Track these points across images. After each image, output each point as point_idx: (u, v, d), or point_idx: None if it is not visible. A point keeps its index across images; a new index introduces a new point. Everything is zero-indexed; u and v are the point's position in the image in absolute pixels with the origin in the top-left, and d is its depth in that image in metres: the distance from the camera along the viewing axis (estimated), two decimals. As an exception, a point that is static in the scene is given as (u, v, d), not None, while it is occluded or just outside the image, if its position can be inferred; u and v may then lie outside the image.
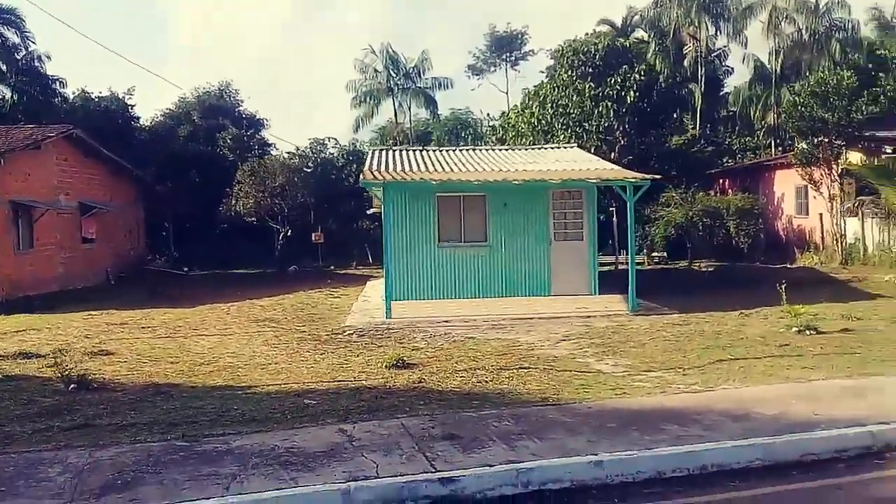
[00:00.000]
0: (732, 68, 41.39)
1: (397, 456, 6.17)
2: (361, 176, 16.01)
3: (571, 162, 18.58)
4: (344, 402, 8.13)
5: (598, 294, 17.34)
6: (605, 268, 23.59)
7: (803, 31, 36.04)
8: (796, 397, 7.71)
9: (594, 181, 15.95)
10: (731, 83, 41.98)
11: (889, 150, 21.94)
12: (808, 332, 11.47)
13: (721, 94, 41.55)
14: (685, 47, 37.42)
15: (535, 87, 31.67)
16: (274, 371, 10.25)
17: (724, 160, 35.83)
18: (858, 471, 6.10)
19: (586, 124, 28.16)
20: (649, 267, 27.96)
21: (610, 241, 28.28)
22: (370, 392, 8.61)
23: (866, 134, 23.21)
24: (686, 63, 37.70)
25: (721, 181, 33.18)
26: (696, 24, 36.85)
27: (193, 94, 39.58)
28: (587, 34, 35.49)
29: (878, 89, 25.36)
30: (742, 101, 39.46)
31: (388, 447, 6.40)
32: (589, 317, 14.67)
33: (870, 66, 31.19)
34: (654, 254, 29.11)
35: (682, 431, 6.64)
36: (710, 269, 24.98)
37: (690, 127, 37.53)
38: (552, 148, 22.46)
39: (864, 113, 22.97)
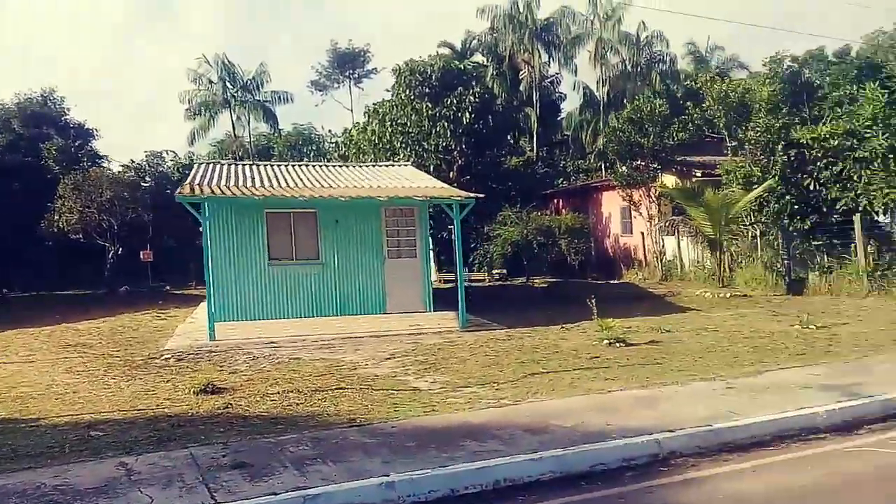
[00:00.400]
0: (565, 94, 43.58)
1: (177, 489, 5.76)
2: (178, 191, 15.23)
3: (403, 180, 18.68)
4: (136, 432, 7.57)
5: (434, 311, 17.48)
6: (449, 284, 23.93)
7: (627, 63, 38.51)
8: (594, 408, 7.98)
9: (421, 199, 16.09)
10: (567, 108, 44.25)
11: (698, 174, 23.73)
12: (618, 344, 12.01)
13: (558, 118, 43.55)
14: (521, 73, 38.89)
15: (375, 104, 31.81)
16: (70, 401, 9.44)
17: (559, 181, 37.50)
18: (643, 479, 6.31)
19: (425, 143, 28.59)
20: (489, 283, 28.72)
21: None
22: (168, 420, 8.09)
23: (678, 158, 25.07)
24: (522, 88, 39.19)
25: (556, 201, 34.64)
26: (530, 51, 38.43)
27: (13, 101, 36.55)
28: (430, 56, 36.19)
29: (687, 117, 27.43)
30: (574, 126, 41.50)
31: (169, 480, 5.98)
32: (420, 334, 14.73)
33: (678, 96, 33.81)
34: (495, 270, 29.88)
35: (480, 447, 6.66)
36: (543, 286, 25.90)
37: (528, 149, 39.00)
38: (387, 165, 22.53)
39: (676, 139, 24.78)
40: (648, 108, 25.14)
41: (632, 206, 26.47)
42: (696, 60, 43.33)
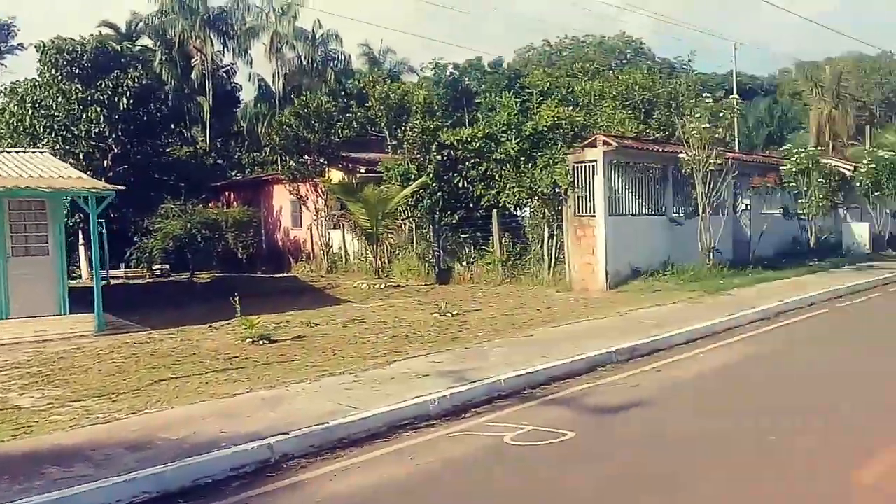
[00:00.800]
0: (241, 85, 42.42)
1: None
2: None
3: (34, 168, 16.50)
4: None
5: (70, 314, 15.69)
6: (104, 282, 21.84)
7: (303, 58, 38.63)
8: (214, 415, 7.58)
9: (46, 191, 14.32)
10: (245, 99, 43.00)
11: (363, 171, 24.48)
12: (262, 342, 11.71)
13: (234, 109, 42.20)
14: (193, 60, 37.00)
15: (13, 84, 28.08)
16: None
17: (235, 174, 36.38)
18: (248, 488, 6.04)
19: (75, 128, 25.92)
20: (149, 280, 26.97)
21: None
22: None
23: (344, 155, 25.68)
24: (195, 76, 37.32)
25: (227, 194, 33.50)
26: (202, 39, 36.77)
27: None
28: (91, 35, 32.89)
29: (351, 115, 28.21)
30: (250, 118, 40.66)
31: None
32: (45, 341, 13.17)
33: (350, 95, 34.81)
34: (156, 266, 28.10)
35: (65, 473, 5.91)
36: (206, 281, 24.88)
37: (200, 139, 37.27)
38: (19, 152, 19.75)
39: (341, 136, 25.36)
40: (315, 105, 25.39)
41: (300, 201, 26.52)
42: (370, 62, 44.77)
